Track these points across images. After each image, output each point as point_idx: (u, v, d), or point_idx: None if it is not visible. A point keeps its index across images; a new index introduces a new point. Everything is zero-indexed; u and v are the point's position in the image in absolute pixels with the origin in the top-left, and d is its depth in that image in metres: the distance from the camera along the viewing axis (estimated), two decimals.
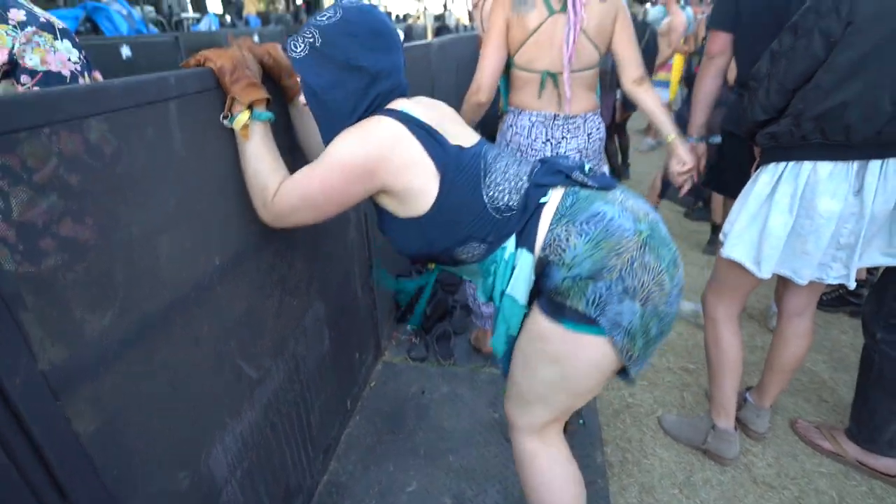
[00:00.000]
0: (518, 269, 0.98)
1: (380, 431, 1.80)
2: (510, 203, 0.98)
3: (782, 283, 1.61)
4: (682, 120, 3.14)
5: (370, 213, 1.91)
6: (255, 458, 1.19)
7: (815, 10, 1.19)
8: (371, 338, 2.06)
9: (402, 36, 3.18)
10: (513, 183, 0.99)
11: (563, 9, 1.56)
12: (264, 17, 11.15)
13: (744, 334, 2.28)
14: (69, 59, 1.05)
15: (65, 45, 1.05)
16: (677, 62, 5.22)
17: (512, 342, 1.08)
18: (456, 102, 1.73)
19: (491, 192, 0.98)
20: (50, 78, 1.02)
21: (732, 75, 1.77)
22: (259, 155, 0.99)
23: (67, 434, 0.69)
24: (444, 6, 19.25)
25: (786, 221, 1.34)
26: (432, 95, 2.92)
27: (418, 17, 15.62)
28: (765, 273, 1.41)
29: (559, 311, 0.95)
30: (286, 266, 1.28)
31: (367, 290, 1.96)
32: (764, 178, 1.38)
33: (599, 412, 1.88)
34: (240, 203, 1.05)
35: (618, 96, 4.07)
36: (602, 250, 0.91)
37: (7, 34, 0.99)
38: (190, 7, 10.03)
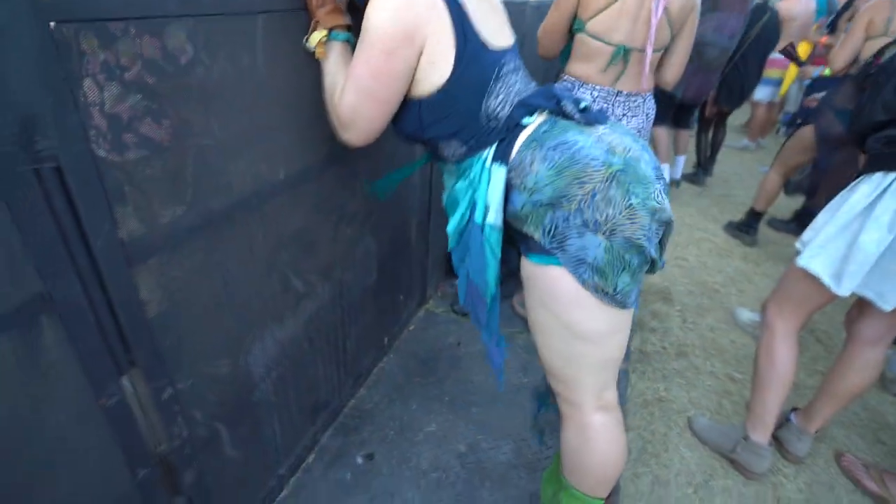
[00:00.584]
0: (493, 181, 0.95)
1: (410, 373, 1.88)
2: (499, 114, 0.96)
3: (859, 307, 1.48)
4: (799, 118, 2.87)
5: (436, 167, 1.93)
6: (291, 365, 1.28)
7: None
8: (417, 284, 2.12)
9: None
10: (511, 97, 0.96)
11: None
12: None
13: (806, 357, 2.14)
14: None
15: None
16: (802, 48, 4.68)
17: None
18: (546, 63, 1.68)
19: (489, 101, 0.95)
20: None
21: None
22: (333, 70, 1.01)
23: (135, 298, 0.79)
24: None
25: (881, 238, 1.22)
26: (522, 54, 2.85)
27: None
28: (844, 290, 1.29)
29: (525, 244, 0.95)
30: (347, 194, 1.34)
31: (422, 239, 2.01)
32: (864, 189, 1.26)
33: (629, 399, 1.85)
34: (311, 125, 1.10)
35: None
36: (564, 178, 0.87)
37: None
38: None
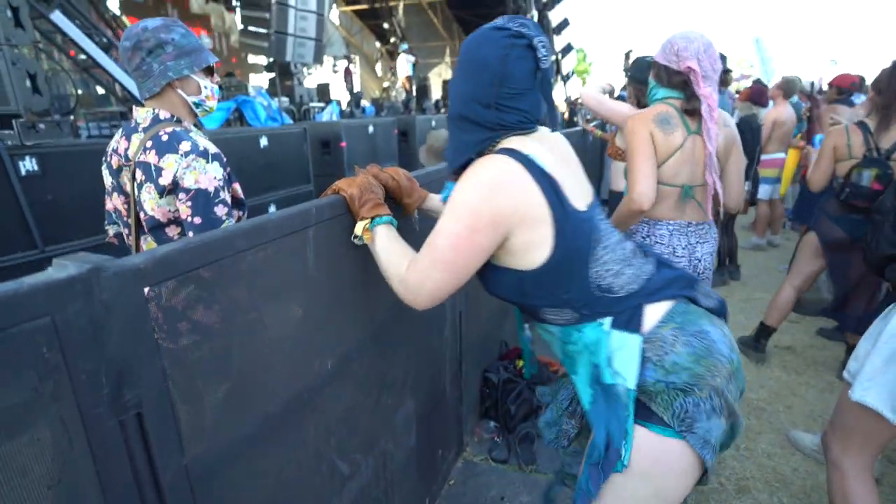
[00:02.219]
0: (627, 349, 0.94)
1: None
2: (612, 286, 0.96)
3: None
4: (797, 217, 2.95)
5: (464, 311, 1.98)
6: None
7: None
8: (454, 434, 2.06)
9: None
10: (619, 266, 0.97)
11: (699, 130, 1.68)
12: (378, 106, 12.41)
13: (884, 484, 1.97)
14: (215, 178, 1.27)
15: (213, 167, 1.28)
16: (791, 158, 4.97)
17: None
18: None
19: (597, 268, 0.95)
20: (199, 193, 1.25)
21: None
22: (387, 247, 1.05)
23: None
24: None
25: None
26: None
27: None
28: None
29: (645, 413, 0.94)
30: (386, 364, 1.37)
31: (455, 387, 1.99)
32: None
33: None
34: (354, 307, 1.16)
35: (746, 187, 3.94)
36: (701, 366, 0.93)
37: (176, 161, 1.23)
38: (316, 97, 11.40)
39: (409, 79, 13.79)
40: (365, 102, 14.00)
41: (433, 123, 7.33)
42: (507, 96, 0.94)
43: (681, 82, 1.65)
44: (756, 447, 2.22)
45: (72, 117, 6.29)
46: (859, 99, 4.46)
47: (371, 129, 5.83)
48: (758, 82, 5.80)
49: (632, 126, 1.71)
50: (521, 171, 0.90)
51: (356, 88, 14.62)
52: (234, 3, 15.45)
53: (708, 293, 1.04)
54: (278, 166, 4.58)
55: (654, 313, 0.96)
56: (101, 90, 7.89)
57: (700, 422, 0.91)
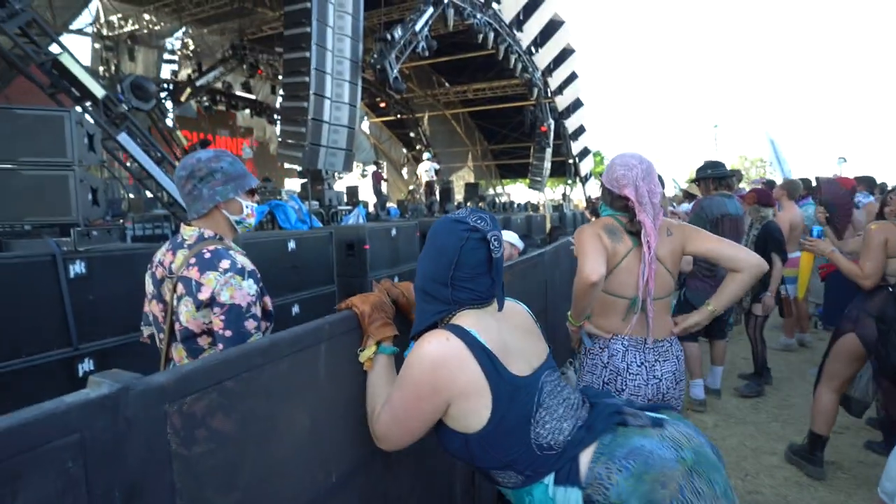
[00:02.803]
0: None
1: None
2: (553, 443, 1.02)
3: None
4: (827, 317, 2.88)
5: None
6: None
7: None
8: None
9: (517, 241, 3.52)
10: (559, 423, 1.04)
11: None
12: (403, 207, 13.05)
13: None
14: (249, 294, 1.39)
15: (248, 283, 1.40)
16: (805, 257, 4.96)
17: None
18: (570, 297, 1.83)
19: (538, 429, 1.03)
20: (232, 309, 1.35)
21: None
22: (377, 383, 1.16)
23: None
24: (564, 196, 20.95)
25: None
26: (545, 297, 3.11)
27: (539, 209, 17.11)
28: None
29: None
30: (391, 479, 1.36)
31: (468, 501, 1.91)
32: None
33: None
34: (358, 424, 1.19)
35: (783, 292, 3.91)
36: (645, 483, 0.92)
37: (216, 279, 1.36)
38: (346, 198, 12.08)
39: (429, 184, 14.69)
40: (391, 204, 14.76)
41: None
42: (460, 278, 1.10)
43: (623, 206, 1.75)
44: None
45: (122, 220, 6.83)
46: (867, 199, 4.55)
47: (394, 231, 6.12)
48: (768, 183, 5.98)
49: (581, 231, 1.80)
50: (460, 348, 1.04)
51: (383, 191, 15.49)
52: (275, 116, 17.16)
53: (637, 413, 1.05)
54: (305, 268, 4.79)
55: (586, 457, 1.00)
56: (149, 194, 8.59)
57: None
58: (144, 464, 0.71)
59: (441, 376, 1.02)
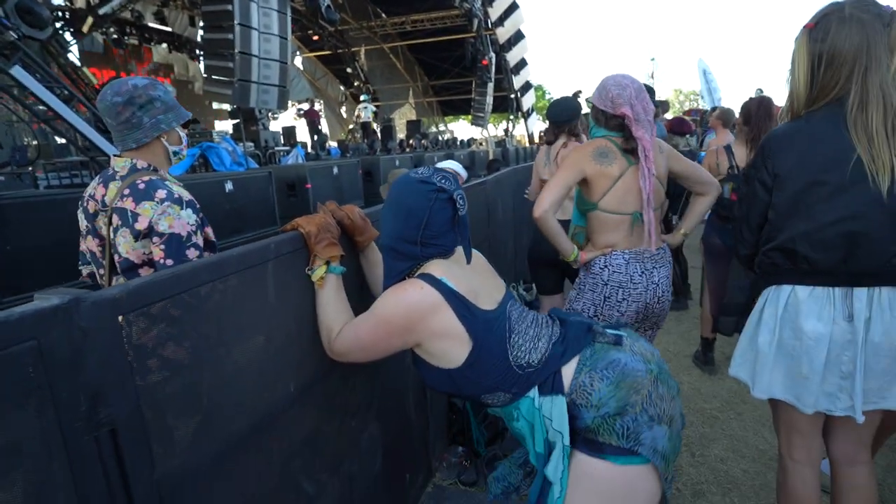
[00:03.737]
0: (556, 411, 1.11)
1: None
2: (531, 360, 1.14)
3: (826, 429, 1.54)
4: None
5: None
6: None
7: (753, 165, 1.44)
8: (422, 459, 2.11)
9: (463, 174, 3.57)
10: (532, 343, 1.16)
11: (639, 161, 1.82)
12: (343, 147, 12.66)
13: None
14: (188, 223, 1.37)
15: (186, 213, 1.38)
16: None
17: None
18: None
19: (514, 352, 1.15)
20: (172, 238, 1.34)
21: None
22: (329, 301, 1.22)
23: None
24: (506, 132, 20.94)
25: (771, 339, 1.43)
26: (488, 226, 3.22)
27: (481, 143, 17.07)
28: (758, 392, 1.46)
29: (598, 448, 1.08)
30: (349, 390, 1.45)
31: (421, 413, 2.06)
32: (759, 302, 1.49)
33: None
34: (313, 338, 1.25)
35: (674, 222, 4.20)
36: (622, 390, 1.08)
37: (152, 208, 1.33)
38: (282, 140, 11.55)
39: (364, 125, 14.53)
40: (332, 144, 14.25)
41: (396, 163, 7.56)
42: (429, 236, 1.16)
43: (617, 125, 1.83)
44: (710, 453, 2.35)
45: (30, 168, 6.24)
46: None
47: (335, 170, 5.99)
48: (693, 113, 6.26)
49: (569, 154, 1.88)
50: (434, 295, 1.11)
51: (324, 130, 14.89)
52: (197, 52, 15.72)
53: (603, 332, 1.19)
54: (245, 210, 4.65)
55: (568, 370, 1.14)
56: (60, 140, 7.85)
57: (643, 433, 1.05)
58: (105, 372, 0.74)
59: (413, 320, 1.11)
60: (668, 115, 7.54)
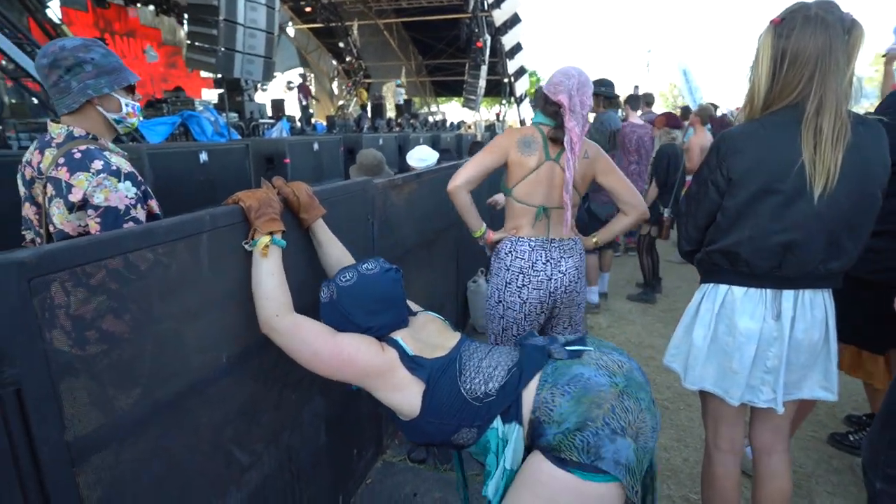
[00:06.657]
0: (512, 441, 1.15)
1: None
2: (488, 390, 1.18)
3: (751, 419, 1.62)
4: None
5: None
6: None
7: (707, 164, 1.45)
8: (372, 436, 2.15)
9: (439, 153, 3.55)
10: (487, 373, 1.21)
11: (557, 158, 1.85)
12: (330, 123, 12.49)
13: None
14: (126, 196, 1.35)
15: (125, 185, 1.35)
16: None
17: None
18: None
19: (468, 385, 1.19)
20: (108, 211, 1.31)
21: None
22: (273, 272, 1.21)
23: (75, 496, 0.86)
24: (497, 116, 20.80)
25: (706, 334, 1.49)
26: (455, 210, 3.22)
27: (469, 127, 16.95)
28: (689, 384, 1.53)
29: (563, 463, 1.08)
30: (289, 363, 1.46)
31: None
32: (696, 297, 1.55)
33: None
34: (249, 310, 1.27)
35: (666, 214, 4.26)
36: (583, 405, 1.09)
37: (87, 179, 1.31)
38: (269, 112, 11.36)
39: (398, 106, 15.08)
40: (321, 120, 14.04)
41: (380, 142, 7.48)
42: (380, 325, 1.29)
43: (553, 112, 1.85)
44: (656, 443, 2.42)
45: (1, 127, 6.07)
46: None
47: (316, 146, 5.91)
48: (683, 109, 6.29)
49: (497, 137, 1.94)
50: (394, 355, 1.23)
51: (310, 106, 14.66)
52: (185, 15, 15.27)
53: (560, 349, 1.21)
54: (218, 182, 4.58)
55: (529, 391, 1.16)
56: (35, 101, 7.63)
57: (605, 447, 1.04)
58: (13, 332, 0.75)
59: (374, 371, 1.22)
60: (659, 110, 7.56)
